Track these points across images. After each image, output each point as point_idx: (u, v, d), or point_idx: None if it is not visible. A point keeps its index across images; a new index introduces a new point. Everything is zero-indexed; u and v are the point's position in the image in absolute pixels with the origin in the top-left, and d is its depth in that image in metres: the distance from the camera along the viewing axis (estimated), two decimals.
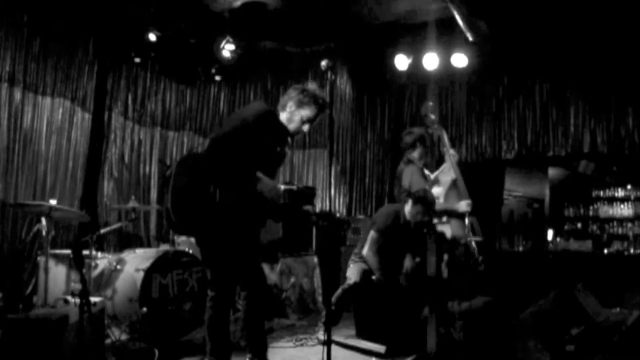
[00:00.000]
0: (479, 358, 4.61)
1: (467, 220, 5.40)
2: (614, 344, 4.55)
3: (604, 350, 4.46)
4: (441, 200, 5.40)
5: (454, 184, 5.51)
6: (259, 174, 3.57)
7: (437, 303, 4.80)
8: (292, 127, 3.79)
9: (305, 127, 3.82)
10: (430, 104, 6.02)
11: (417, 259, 5.52)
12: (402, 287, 5.25)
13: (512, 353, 4.56)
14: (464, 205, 5.34)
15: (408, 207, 5.24)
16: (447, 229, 5.48)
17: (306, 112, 3.75)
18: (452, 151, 5.67)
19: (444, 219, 5.45)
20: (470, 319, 4.99)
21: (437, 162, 5.78)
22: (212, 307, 3.72)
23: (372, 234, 5.28)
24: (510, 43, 7.42)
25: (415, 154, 5.57)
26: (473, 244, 5.42)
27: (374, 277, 5.27)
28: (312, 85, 3.84)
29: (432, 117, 5.75)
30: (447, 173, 5.59)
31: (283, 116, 3.80)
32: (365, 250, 5.27)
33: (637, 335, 4.81)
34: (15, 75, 6.03)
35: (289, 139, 3.93)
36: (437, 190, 5.47)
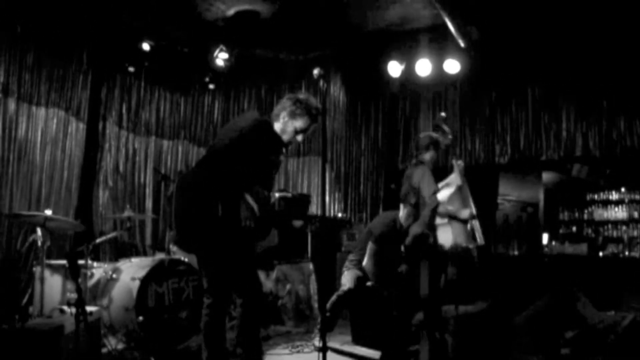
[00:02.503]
0: None
1: (469, 226, 5.48)
2: (608, 346, 4.57)
3: (599, 353, 4.49)
4: (446, 204, 5.44)
5: (459, 189, 5.59)
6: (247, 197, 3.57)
7: (431, 317, 4.84)
8: (285, 137, 3.80)
9: (299, 137, 3.84)
10: (443, 115, 6.09)
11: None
12: (396, 293, 5.26)
13: (508, 357, 4.57)
14: (466, 213, 5.38)
15: (402, 212, 5.29)
16: (449, 231, 5.58)
17: (299, 123, 3.76)
18: (460, 161, 5.73)
19: (446, 220, 5.50)
20: (466, 323, 5.01)
21: (441, 170, 5.84)
22: (208, 314, 3.73)
23: (370, 245, 5.29)
24: (502, 49, 7.47)
25: (427, 157, 5.54)
26: (475, 250, 5.51)
27: (368, 284, 5.28)
28: (305, 95, 3.84)
29: (445, 128, 5.83)
30: (454, 180, 5.63)
31: (277, 126, 3.80)
32: (365, 262, 5.28)
33: (631, 338, 4.83)
34: (9, 85, 6.05)
35: (283, 149, 3.95)
36: (443, 194, 5.53)
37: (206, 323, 3.73)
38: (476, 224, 5.53)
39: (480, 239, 5.52)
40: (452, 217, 5.47)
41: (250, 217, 3.57)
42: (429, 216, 5.46)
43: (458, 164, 5.66)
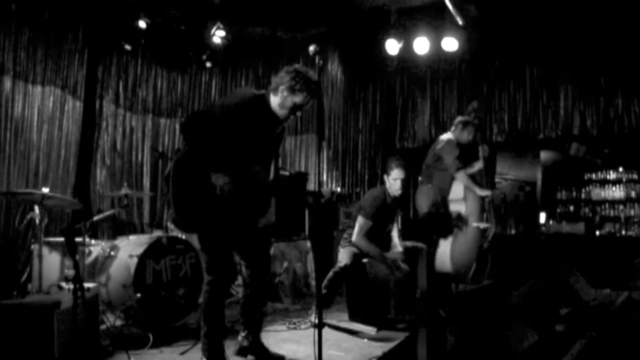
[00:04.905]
0: (468, 340, 4.67)
1: (485, 206, 5.82)
2: (602, 323, 4.61)
3: (593, 329, 4.52)
4: (465, 175, 5.84)
5: (479, 172, 5.98)
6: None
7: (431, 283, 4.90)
8: (283, 112, 3.74)
9: (298, 113, 3.81)
10: (475, 103, 6.34)
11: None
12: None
13: (502, 333, 4.61)
14: (485, 192, 5.75)
15: (388, 183, 5.38)
16: (462, 208, 5.83)
17: (299, 98, 3.69)
18: (485, 146, 6.14)
19: (461, 196, 5.80)
20: (463, 300, 5.05)
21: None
22: (208, 291, 3.75)
23: (360, 219, 5.32)
24: (501, 27, 7.45)
25: (456, 131, 6.05)
26: (481, 228, 5.69)
27: (364, 260, 5.32)
28: (304, 68, 3.75)
29: (474, 115, 6.16)
30: (477, 163, 6.06)
31: (275, 100, 3.74)
32: (354, 237, 5.31)
33: (625, 316, 4.87)
34: (4, 64, 6.01)
35: (283, 124, 3.92)
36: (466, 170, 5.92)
37: (206, 300, 3.76)
38: (491, 208, 5.73)
39: (492, 223, 5.69)
40: (469, 190, 5.77)
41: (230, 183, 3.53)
42: (447, 188, 5.80)
43: (483, 149, 6.07)
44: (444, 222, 5.77)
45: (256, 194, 3.71)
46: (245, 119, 3.62)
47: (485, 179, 5.95)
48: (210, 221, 3.60)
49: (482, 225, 5.71)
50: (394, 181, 5.31)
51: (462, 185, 5.81)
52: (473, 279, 5.77)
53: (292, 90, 3.68)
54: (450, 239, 5.75)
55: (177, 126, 7.93)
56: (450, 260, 5.75)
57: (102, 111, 7.14)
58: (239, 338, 4.01)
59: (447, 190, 5.88)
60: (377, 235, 5.39)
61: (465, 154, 6.03)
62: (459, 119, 6.15)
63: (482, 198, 5.82)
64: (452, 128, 6.11)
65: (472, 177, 5.92)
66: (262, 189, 3.77)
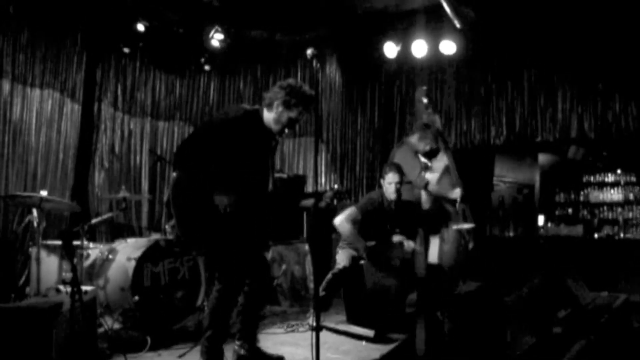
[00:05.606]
0: (465, 342, 4.67)
1: (458, 207, 5.50)
2: (600, 326, 4.61)
3: (591, 332, 4.53)
4: (434, 185, 5.49)
5: (446, 169, 5.62)
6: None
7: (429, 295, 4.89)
8: (278, 127, 3.78)
9: (292, 127, 3.84)
10: (424, 88, 6.06)
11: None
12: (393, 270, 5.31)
13: (500, 336, 4.61)
14: (456, 193, 5.42)
15: (384, 187, 5.39)
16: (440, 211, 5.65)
17: (294, 113, 3.73)
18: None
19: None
20: (459, 303, 5.05)
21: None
22: (218, 298, 3.75)
23: (351, 207, 5.40)
24: (498, 30, 7.45)
25: (412, 139, 5.67)
26: (463, 230, 5.55)
27: (362, 262, 5.31)
28: (298, 83, 3.81)
29: (425, 101, 5.80)
30: (440, 159, 5.69)
31: (269, 115, 3.77)
32: (336, 219, 5.36)
33: (623, 318, 4.88)
34: (3, 67, 6.03)
35: (277, 138, 3.93)
36: (430, 176, 5.57)
37: (215, 305, 3.76)
38: (465, 206, 5.55)
39: (470, 220, 5.56)
40: (442, 198, 5.53)
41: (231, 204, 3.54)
42: (417, 200, 5.58)
43: (441, 139, 5.66)
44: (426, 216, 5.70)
45: (258, 207, 3.74)
46: (239, 137, 3.64)
47: (456, 174, 5.54)
48: (217, 239, 3.62)
49: (463, 226, 5.59)
50: (388, 185, 5.34)
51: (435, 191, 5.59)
52: (464, 280, 5.74)
53: (287, 105, 3.71)
54: (436, 245, 5.66)
55: (176, 128, 7.96)
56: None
57: (100, 114, 7.14)
58: (235, 347, 4.00)
59: (418, 202, 5.73)
60: (377, 235, 5.40)
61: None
62: (419, 121, 5.75)
63: (455, 200, 5.48)
64: (409, 136, 5.75)
65: (444, 176, 5.68)
66: (264, 202, 3.81)
